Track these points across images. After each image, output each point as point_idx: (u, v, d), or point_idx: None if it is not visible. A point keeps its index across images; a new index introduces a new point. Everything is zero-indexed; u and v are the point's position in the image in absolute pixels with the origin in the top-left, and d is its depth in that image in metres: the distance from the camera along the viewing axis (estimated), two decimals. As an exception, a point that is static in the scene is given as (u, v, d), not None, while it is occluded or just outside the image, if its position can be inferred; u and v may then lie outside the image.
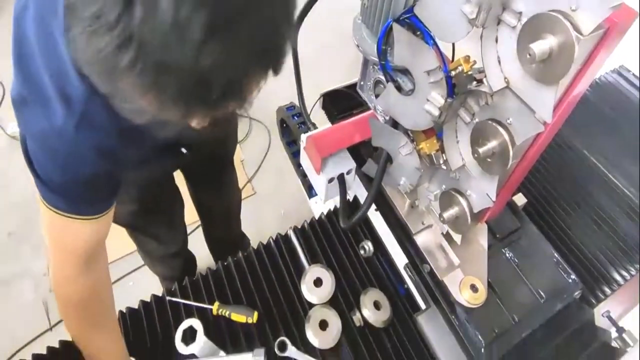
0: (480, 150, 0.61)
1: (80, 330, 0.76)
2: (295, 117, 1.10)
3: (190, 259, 1.56)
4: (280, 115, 1.15)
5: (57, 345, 0.81)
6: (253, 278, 0.92)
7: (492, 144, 0.60)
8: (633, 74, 1.33)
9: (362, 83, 0.81)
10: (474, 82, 0.60)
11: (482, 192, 0.69)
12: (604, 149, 1.19)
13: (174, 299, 0.85)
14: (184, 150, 0.87)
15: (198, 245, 1.63)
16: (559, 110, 0.53)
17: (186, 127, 0.51)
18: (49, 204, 0.64)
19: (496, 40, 0.55)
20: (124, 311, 0.87)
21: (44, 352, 0.79)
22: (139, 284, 1.76)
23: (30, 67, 0.58)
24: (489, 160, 0.62)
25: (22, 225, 2.09)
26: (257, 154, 2.44)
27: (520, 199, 0.92)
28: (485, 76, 0.57)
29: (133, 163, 0.73)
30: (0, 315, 1.82)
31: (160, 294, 0.88)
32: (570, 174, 1.15)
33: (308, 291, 0.88)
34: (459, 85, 0.61)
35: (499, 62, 0.56)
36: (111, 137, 0.61)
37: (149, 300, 0.88)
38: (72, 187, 0.64)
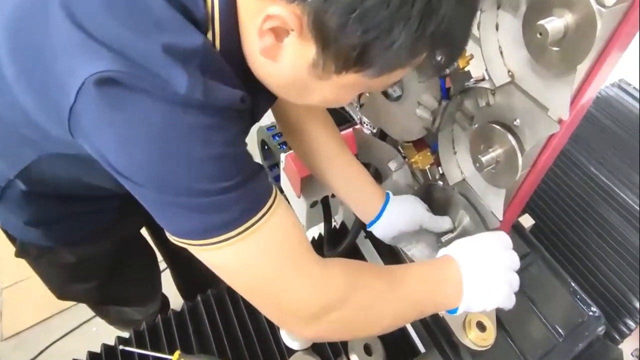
0: (483, 159, 0.51)
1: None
2: (276, 137, 1.01)
3: (165, 305, 1.40)
4: (261, 136, 1.06)
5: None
6: (223, 321, 0.78)
7: (497, 151, 0.50)
8: (634, 87, 1.27)
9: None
10: (472, 80, 0.51)
11: (487, 210, 0.58)
12: (611, 165, 1.10)
13: (127, 349, 0.72)
14: None
15: (168, 284, 1.46)
16: (577, 105, 0.44)
17: None
18: (244, 220, 0.45)
19: (497, 27, 0.47)
20: (75, 364, 0.73)
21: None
22: (102, 328, 1.55)
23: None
24: (493, 171, 0.52)
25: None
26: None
27: (527, 221, 0.82)
28: (485, 71, 0.48)
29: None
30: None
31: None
32: (577, 192, 1.05)
33: (288, 336, 0.76)
34: (455, 84, 0.52)
35: (501, 52, 0.47)
36: None
37: (99, 351, 0.74)
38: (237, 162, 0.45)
